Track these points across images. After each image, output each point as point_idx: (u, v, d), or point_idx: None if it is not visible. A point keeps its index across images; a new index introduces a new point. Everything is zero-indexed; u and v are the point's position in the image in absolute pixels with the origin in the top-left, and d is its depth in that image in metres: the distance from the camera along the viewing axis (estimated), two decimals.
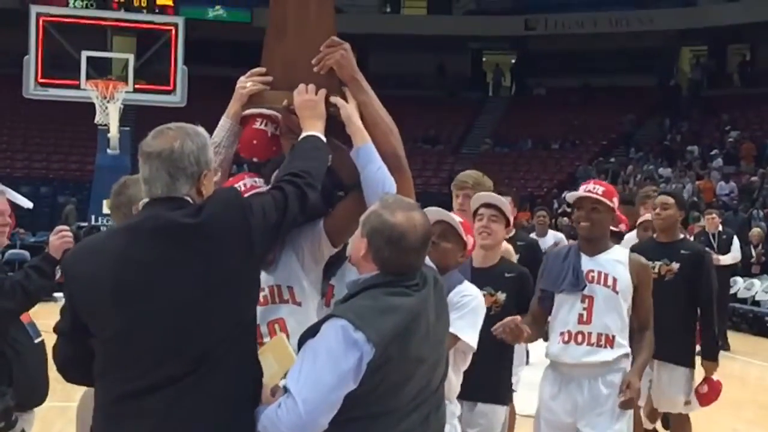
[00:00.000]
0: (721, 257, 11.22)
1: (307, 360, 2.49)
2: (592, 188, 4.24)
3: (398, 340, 2.52)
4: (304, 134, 2.97)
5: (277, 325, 3.00)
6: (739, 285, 15.12)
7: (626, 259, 4.24)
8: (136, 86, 16.13)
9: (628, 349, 4.20)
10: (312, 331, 2.55)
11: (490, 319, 3.80)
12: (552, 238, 9.43)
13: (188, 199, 2.58)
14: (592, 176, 25.07)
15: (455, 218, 3.71)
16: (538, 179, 28.69)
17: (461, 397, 3.72)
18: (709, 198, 21.51)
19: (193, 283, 2.48)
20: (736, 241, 11.98)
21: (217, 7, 31.57)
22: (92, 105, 15.75)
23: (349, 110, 3.03)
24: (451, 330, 3.27)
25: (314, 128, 2.97)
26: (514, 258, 4.93)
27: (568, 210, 10.49)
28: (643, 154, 27.67)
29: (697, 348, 5.54)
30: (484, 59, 35.90)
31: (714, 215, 12.37)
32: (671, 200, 5.48)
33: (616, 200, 4.27)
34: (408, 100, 28.07)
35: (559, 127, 30.34)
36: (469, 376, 3.67)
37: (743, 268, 15.12)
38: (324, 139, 2.96)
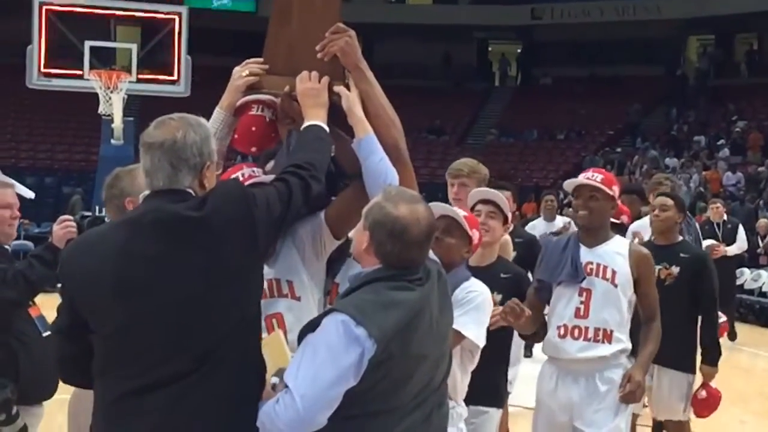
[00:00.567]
0: (727, 248, 11.12)
1: (307, 355, 2.44)
2: (591, 176, 4.16)
3: (400, 336, 2.46)
4: (306, 123, 2.90)
5: (275, 319, 2.93)
6: (746, 276, 15.06)
7: (626, 251, 4.13)
8: (140, 76, 16.08)
9: (626, 345, 4.10)
10: (312, 326, 2.50)
11: None
12: (560, 222, 9.44)
13: (190, 191, 2.52)
14: (599, 167, 25.05)
15: (459, 212, 3.63)
16: (543, 170, 28.61)
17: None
18: (716, 188, 21.42)
19: (195, 278, 2.43)
20: (741, 230, 11.87)
21: None
22: (97, 95, 15.72)
23: (351, 100, 2.96)
24: (455, 327, 3.20)
25: (317, 117, 2.90)
26: (511, 252, 4.81)
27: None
28: (650, 144, 27.56)
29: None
30: (489, 49, 35.81)
31: (718, 204, 12.27)
32: (670, 202, 5.34)
33: (616, 189, 4.16)
34: (413, 90, 28.02)
35: (565, 117, 30.25)
36: None
37: (750, 259, 15.06)
38: (327, 129, 2.90)
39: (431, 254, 2.75)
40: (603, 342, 4.04)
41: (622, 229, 5.83)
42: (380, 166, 2.87)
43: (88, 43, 15.64)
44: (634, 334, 4.20)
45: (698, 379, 5.32)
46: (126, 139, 16.03)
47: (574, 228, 5.68)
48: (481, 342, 3.46)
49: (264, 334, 2.84)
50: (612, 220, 4.49)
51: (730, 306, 12.02)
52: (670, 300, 4.40)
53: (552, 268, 4.17)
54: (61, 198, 22.72)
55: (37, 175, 24.05)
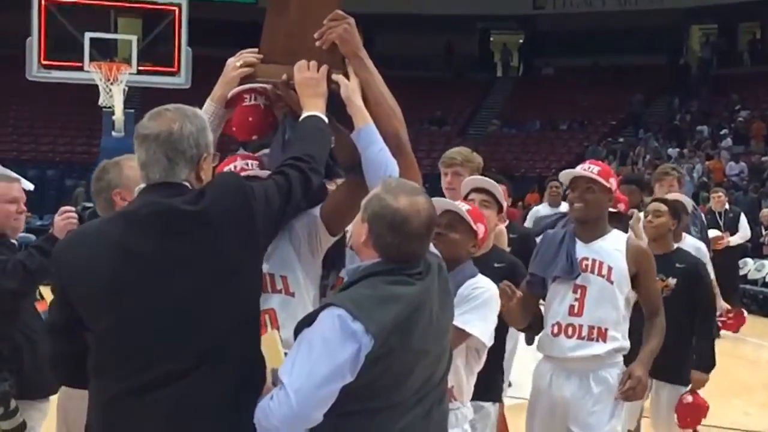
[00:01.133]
0: (730, 238, 11.07)
1: (302, 350, 2.38)
2: (587, 167, 4.05)
3: (399, 331, 2.41)
4: (305, 114, 2.83)
5: (267, 316, 2.84)
6: (750, 266, 15.00)
7: (624, 246, 4.03)
8: (140, 68, 16.03)
9: (622, 343, 4.00)
10: (308, 320, 2.44)
11: None
12: (565, 207, 9.37)
13: (187, 184, 2.47)
14: (601, 157, 25.00)
15: (463, 206, 3.54)
16: (546, 160, 28.53)
17: None
18: (719, 178, 21.35)
19: (193, 274, 2.37)
20: (743, 219, 11.79)
21: None
22: (98, 88, 15.67)
23: (350, 89, 2.89)
24: (460, 325, 3.16)
25: (315, 107, 2.83)
26: (506, 242, 4.68)
27: None
28: (652, 134, 27.49)
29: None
30: (491, 39, 35.68)
31: (720, 194, 12.19)
32: (664, 207, 5.18)
33: (613, 181, 4.07)
34: (415, 81, 27.93)
35: (568, 107, 30.17)
36: None
37: (753, 249, 15.00)
38: (326, 119, 2.83)
39: (432, 248, 2.70)
40: (597, 340, 3.94)
41: (619, 218, 5.68)
42: (380, 157, 2.80)
43: (87, 35, 15.59)
44: (634, 334, 4.08)
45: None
46: (127, 131, 15.97)
47: None
48: (488, 340, 3.35)
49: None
50: (610, 209, 4.40)
51: (734, 296, 11.98)
52: (668, 312, 4.19)
53: (546, 262, 4.07)
54: (64, 190, 22.69)
55: (39, 167, 24.02)
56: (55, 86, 18.77)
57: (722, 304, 5.84)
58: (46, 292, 3.89)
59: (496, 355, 4.14)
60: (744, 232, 11.71)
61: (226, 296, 2.40)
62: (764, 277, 14.87)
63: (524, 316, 4.04)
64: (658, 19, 30.48)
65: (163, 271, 2.37)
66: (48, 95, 24.84)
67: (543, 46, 33.44)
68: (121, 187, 3.57)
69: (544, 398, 4.07)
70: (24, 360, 3.78)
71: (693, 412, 5.03)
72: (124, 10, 18.79)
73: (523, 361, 5.65)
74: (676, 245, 5.27)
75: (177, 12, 16.32)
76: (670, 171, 6.97)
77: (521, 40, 35.23)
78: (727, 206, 12.00)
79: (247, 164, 3.00)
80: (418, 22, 31.46)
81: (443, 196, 4.42)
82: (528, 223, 9.70)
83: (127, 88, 15.57)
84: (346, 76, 2.93)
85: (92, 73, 15.43)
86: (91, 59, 15.57)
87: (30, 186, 4.56)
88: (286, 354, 2.48)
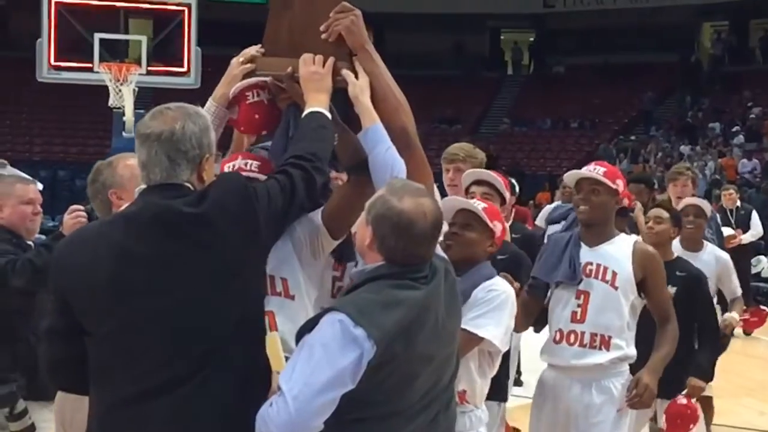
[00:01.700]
0: (743, 236, 10.97)
1: (302, 356, 2.31)
2: (592, 168, 3.93)
3: (403, 337, 2.34)
4: (308, 110, 2.77)
5: (266, 318, 2.73)
6: (763, 264, 14.88)
7: (630, 250, 3.88)
8: (150, 68, 16.03)
9: (627, 352, 3.86)
10: (310, 325, 2.38)
11: None
12: None
13: (188, 185, 2.42)
14: (612, 155, 24.91)
15: (479, 205, 3.43)
16: (557, 159, 28.44)
17: None
18: (732, 175, 21.24)
19: (195, 277, 2.33)
20: (755, 216, 11.66)
21: None
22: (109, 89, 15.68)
23: (358, 88, 2.83)
24: (471, 329, 3.10)
25: (318, 103, 2.77)
26: (509, 234, 4.63)
27: None
28: (664, 131, 27.38)
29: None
30: (502, 37, 35.58)
31: (731, 191, 12.06)
32: (665, 214, 5.03)
33: (620, 182, 3.93)
34: (425, 79, 27.88)
35: (579, 105, 30.07)
36: None
37: (767, 247, 14.89)
38: (329, 116, 2.77)
39: (439, 251, 2.65)
40: (600, 349, 3.81)
41: (624, 213, 5.51)
42: (387, 157, 2.74)
43: (97, 36, 15.61)
44: (644, 343, 3.96)
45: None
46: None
47: None
48: (501, 344, 3.24)
49: None
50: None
51: (747, 294, 11.87)
52: None
53: (550, 267, 3.95)
54: (75, 191, 22.71)
55: (51, 168, 24.12)
56: (68, 87, 18.80)
57: (732, 316, 5.64)
58: None
59: (502, 355, 4.10)
60: (756, 230, 11.59)
61: (228, 298, 2.36)
62: None
63: (525, 321, 3.95)
64: (669, 17, 30.36)
65: (164, 274, 2.32)
66: (60, 96, 24.92)
67: (554, 44, 33.34)
68: (116, 187, 3.56)
69: (547, 407, 3.97)
70: (38, 362, 3.78)
71: (683, 418, 4.67)
72: (135, 11, 18.81)
73: (533, 361, 5.61)
74: (676, 255, 5.07)
75: (186, 12, 16.32)
76: (684, 171, 6.87)
77: (532, 39, 35.12)
78: (738, 203, 11.88)
79: (246, 164, 2.93)
80: (429, 20, 31.42)
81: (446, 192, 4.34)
82: (539, 222, 9.65)
83: (137, 89, 15.57)
84: (353, 70, 2.87)
85: (102, 73, 15.44)
86: (102, 60, 15.58)
87: (39, 186, 4.58)
88: (287, 358, 2.43)
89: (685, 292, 4.80)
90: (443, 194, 3.71)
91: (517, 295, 3.54)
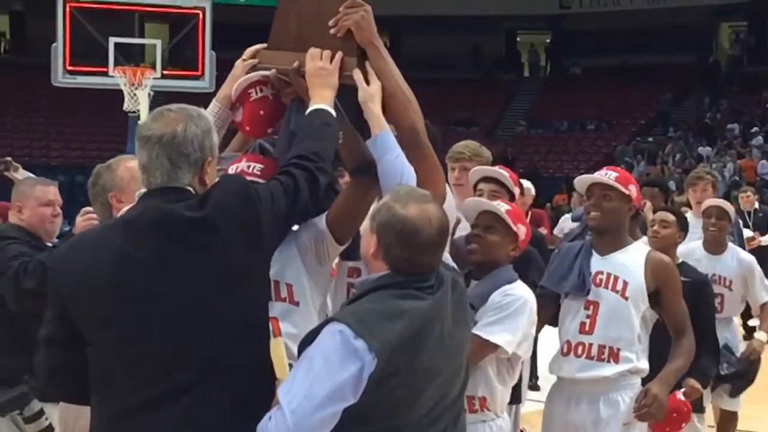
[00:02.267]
0: (761, 238, 10.84)
1: (302, 368, 2.23)
2: (604, 173, 3.79)
3: (406, 349, 2.26)
4: (312, 107, 2.70)
5: (270, 324, 2.70)
6: None
7: (643, 259, 3.72)
8: (165, 72, 16.05)
9: (637, 365, 3.69)
10: (311, 337, 2.30)
11: None
12: None
13: (190, 189, 2.35)
14: (630, 157, 24.76)
15: (502, 207, 3.31)
16: (574, 161, 28.32)
17: None
18: (752, 177, 21.09)
19: (198, 282, 2.26)
20: None
21: None
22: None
23: (368, 95, 2.75)
24: (484, 335, 3.01)
25: (323, 100, 2.70)
26: None
27: None
28: (682, 133, 27.20)
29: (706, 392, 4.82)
30: (518, 39, 35.53)
31: (749, 193, 11.94)
32: (672, 218, 4.83)
33: (633, 188, 3.77)
34: (442, 82, 27.90)
35: (596, 106, 29.96)
36: None
37: None
38: (334, 114, 2.70)
39: (448, 259, 2.57)
40: (608, 361, 3.65)
41: (636, 216, 5.35)
42: (396, 164, 2.67)
43: (112, 40, 15.64)
44: (657, 357, 3.79)
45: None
46: None
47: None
48: (516, 348, 3.12)
49: None
50: None
51: None
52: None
53: (559, 276, 3.82)
54: None
55: (68, 173, 24.20)
56: (85, 91, 18.88)
57: (759, 339, 5.55)
58: None
59: None
60: None
61: (232, 304, 2.30)
62: None
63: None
64: (686, 17, 30.19)
65: (164, 278, 2.27)
66: (77, 101, 25.04)
67: (570, 45, 33.25)
68: (115, 189, 3.54)
69: (557, 421, 3.84)
70: None
71: (679, 413, 4.34)
72: (150, 15, 18.87)
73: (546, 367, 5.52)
74: (681, 259, 4.95)
75: (201, 16, 16.34)
76: (704, 175, 6.71)
77: (548, 40, 35.05)
78: (756, 205, 11.77)
79: (249, 167, 2.87)
80: (445, 23, 31.38)
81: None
82: (557, 231, 9.55)
83: (152, 93, 15.60)
84: (360, 67, 2.79)
85: (117, 78, 15.48)
86: (117, 64, 15.62)
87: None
88: (291, 365, 2.36)
89: (688, 297, 4.65)
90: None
91: None
